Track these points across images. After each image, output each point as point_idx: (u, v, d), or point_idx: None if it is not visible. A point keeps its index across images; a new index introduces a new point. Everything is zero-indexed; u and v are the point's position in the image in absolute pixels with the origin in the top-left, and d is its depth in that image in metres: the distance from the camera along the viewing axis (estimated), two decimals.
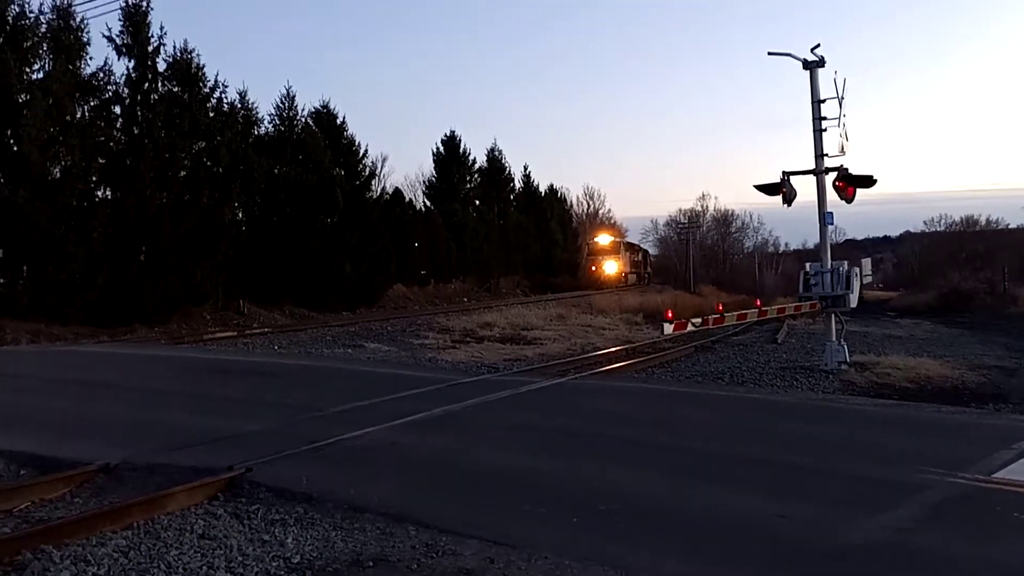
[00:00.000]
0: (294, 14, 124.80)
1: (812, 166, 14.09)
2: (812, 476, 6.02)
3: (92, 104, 21.89)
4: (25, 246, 19.16)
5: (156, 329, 20.85)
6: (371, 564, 4.36)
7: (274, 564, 4.39)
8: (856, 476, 5.92)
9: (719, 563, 4.38)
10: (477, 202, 44.40)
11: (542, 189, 51.21)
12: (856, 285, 14.09)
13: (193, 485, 5.55)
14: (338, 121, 31.41)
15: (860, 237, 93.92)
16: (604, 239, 57.02)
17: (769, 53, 14.60)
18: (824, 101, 13.93)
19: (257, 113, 27.50)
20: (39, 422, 7.96)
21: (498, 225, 44.57)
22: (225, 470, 5.84)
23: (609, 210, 76.61)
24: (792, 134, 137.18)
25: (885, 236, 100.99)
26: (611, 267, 54.20)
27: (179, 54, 23.09)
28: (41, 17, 20.85)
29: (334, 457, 6.51)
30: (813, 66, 14.02)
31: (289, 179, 27.53)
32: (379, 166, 36.79)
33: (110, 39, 22.01)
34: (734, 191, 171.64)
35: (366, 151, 32.22)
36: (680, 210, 78.26)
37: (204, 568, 4.33)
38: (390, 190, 37.53)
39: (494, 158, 45.66)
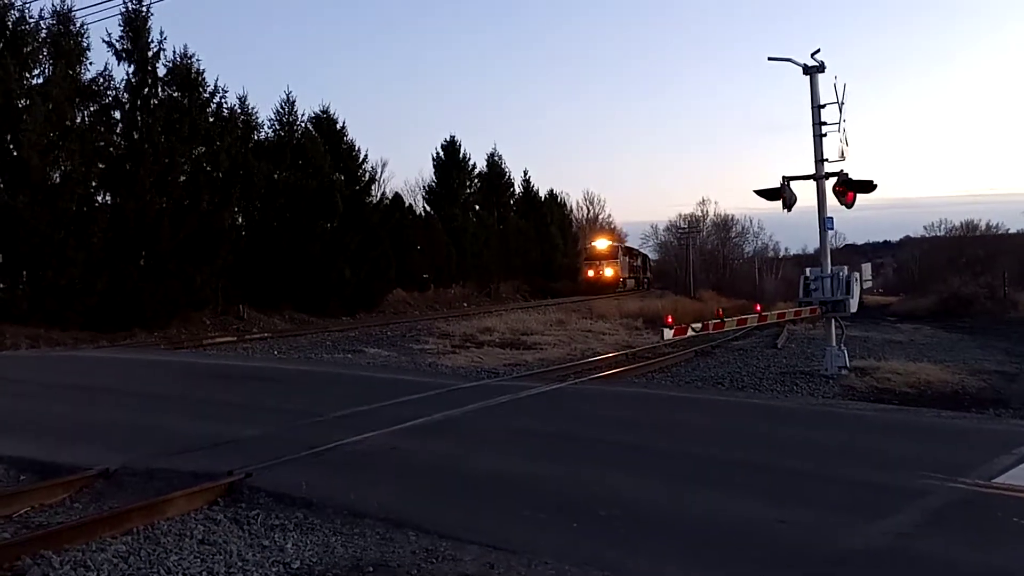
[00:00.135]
0: (294, 19, 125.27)
1: (812, 171, 14.10)
2: (812, 481, 6.01)
3: (92, 109, 21.91)
4: (25, 251, 19.18)
5: (156, 334, 20.84)
6: (371, 569, 4.35)
7: (274, 570, 4.39)
8: (856, 481, 5.92)
9: (719, 568, 4.37)
10: (477, 207, 44.43)
11: (542, 194, 51.32)
12: (856, 290, 14.09)
13: (193, 490, 5.54)
14: (338, 126, 31.48)
15: (860, 242, 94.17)
16: (601, 243, 56.95)
17: (769, 58, 14.66)
18: (824, 106, 13.95)
19: (257, 118, 27.59)
20: (39, 427, 7.96)
21: (498, 230, 44.60)
22: (225, 475, 5.83)
23: (609, 215, 77.07)
24: (792, 139, 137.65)
25: (885, 241, 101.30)
26: (608, 272, 54.09)
27: (179, 59, 23.13)
28: (41, 22, 20.95)
29: (334, 462, 6.50)
30: (813, 71, 14.04)
31: (289, 184, 27.56)
32: (379, 171, 36.98)
33: (110, 44, 22.10)
34: (734, 196, 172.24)
35: (366, 156, 32.38)
36: (680, 215, 78.57)
37: (204, 573, 4.33)
38: (390, 195, 37.67)
39: (494, 163, 45.74)
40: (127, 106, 22.27)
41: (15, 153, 19.55)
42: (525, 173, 50.20)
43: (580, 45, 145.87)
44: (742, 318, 14.29)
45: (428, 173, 47.36)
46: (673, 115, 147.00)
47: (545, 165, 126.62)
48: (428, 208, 41.36)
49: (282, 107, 29.16)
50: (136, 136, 22.05)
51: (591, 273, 53.30)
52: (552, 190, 53.34)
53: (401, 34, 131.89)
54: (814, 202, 14.36)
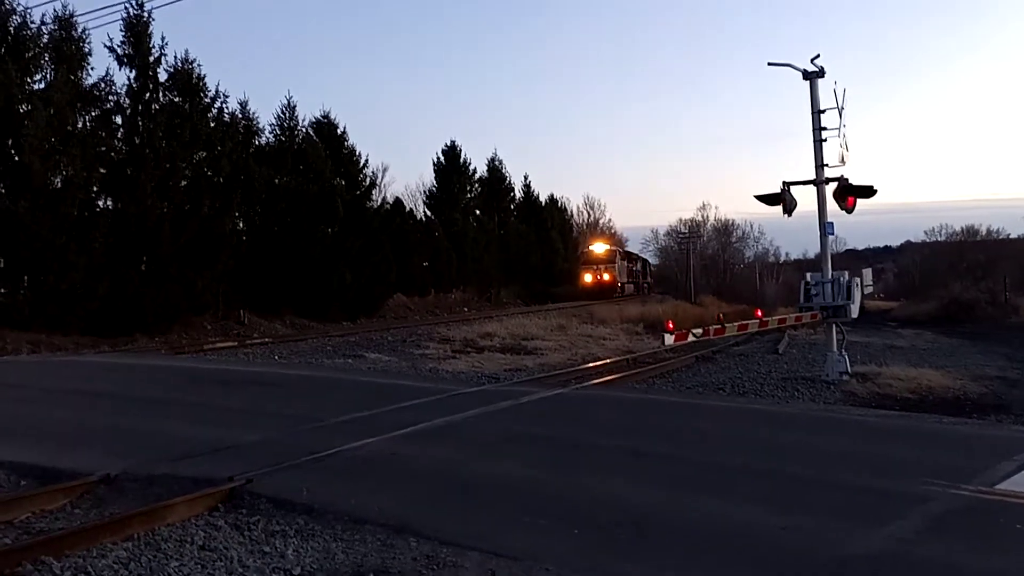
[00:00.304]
0: (295, 25, 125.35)
1: (812, 176, 14.13)
2: (814, 487, 6.01)
3: (93, 114, 21.98)
4: (26, 256, 19.20)
5: (157, 339, 20.83)
6: None
7: None
8: (858, 487, 5.91)
9: (719, 574, 4.37)
10: (477, 212, 44.47)
11: (542, 199, 51.27)
12: (857, 295, 14.09)
13: (193, 496, 5.54)
14: (339, 131, 31.51)
15: (861, 247, 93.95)
16: (599, 247, 56.46)
17: (769, 64, 14.71)
18: (824, 111, 13.98)
19: (258, 123, 27.72)
20: (40, 432, 7.95)
21: (498, 235, 44.63)
22: (225, 481, 5.83)
23: (609, 220, 77.01)
24: (792, 144, 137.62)
25: (886, 246, 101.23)
26: (606, 276, 53.59)
27: (180, 64, 23.21)
28: (43, 27, 21.02)
29: (335, 468, 6.50)
30: (813, 77, 14.07)
31: (290, 189, 27.60)
32: (379, 176, 37.03)
33: (111, 49, 22.18)
34: (734, 201, 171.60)
35: (367, 161, 32.37)
36: (680, 220, 78.25)
37: None
38: (391, 200, 37.74)
39: (494, 168, 45.81)
40: (128, 111, 22.34)
41: (16, 158, 19.60)
42: (525, 178, 50.27)
43: (581, 50, 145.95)
44: (743, 323, 14.29)
45: (429, 178, 47.58)
46: (673, 120, 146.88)
47: (546, 170, 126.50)
48: (429, 213, 41.44)
49: (283, 112, 29.30)
50: (137, 141, 22.10)
51: (588, 278, 52.28)
52: (552, 195, 53.45)
53: (402, 40, 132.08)
54: (814, 207, 14.40)
